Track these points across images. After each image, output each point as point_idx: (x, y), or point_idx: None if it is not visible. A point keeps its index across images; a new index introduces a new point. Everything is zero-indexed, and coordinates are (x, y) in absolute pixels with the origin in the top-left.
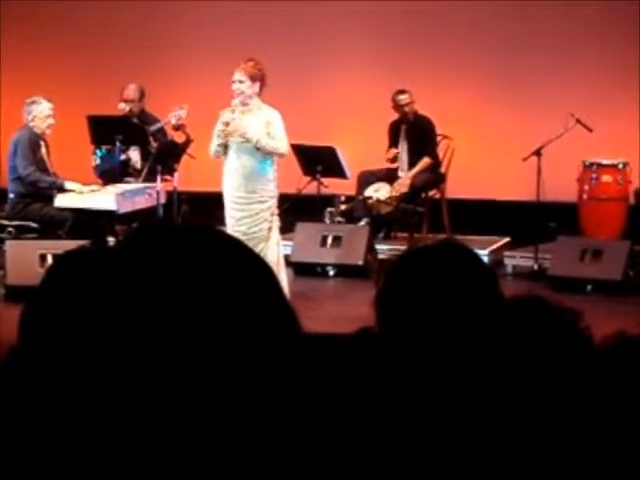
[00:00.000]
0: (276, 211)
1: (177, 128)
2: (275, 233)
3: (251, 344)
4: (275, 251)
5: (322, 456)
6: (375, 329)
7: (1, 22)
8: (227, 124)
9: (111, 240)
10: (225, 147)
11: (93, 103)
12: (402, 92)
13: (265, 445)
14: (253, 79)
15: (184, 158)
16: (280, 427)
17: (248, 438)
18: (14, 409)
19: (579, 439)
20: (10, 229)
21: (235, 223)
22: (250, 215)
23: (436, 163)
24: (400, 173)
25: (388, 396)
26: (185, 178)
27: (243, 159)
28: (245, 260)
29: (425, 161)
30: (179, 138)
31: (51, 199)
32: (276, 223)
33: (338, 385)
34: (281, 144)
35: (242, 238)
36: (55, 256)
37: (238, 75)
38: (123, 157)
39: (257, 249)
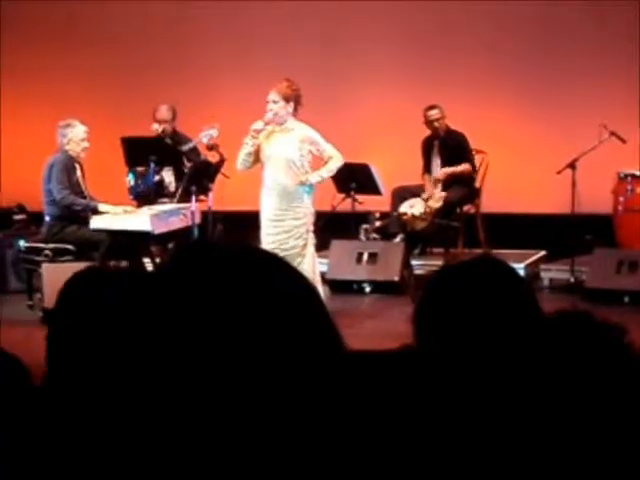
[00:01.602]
0: (311, 228)
1: (210, 148)
2: (310, 249)
3: (296, 360)
4: (311, 267)
5: (363, 470)
6: (413, 345)
7: (32, 44)
8: (257, 132)
9: (147, 261)
10: (256, 159)
11: (125, 124)
12: (432, 107)
13: (309, 457)
14: (287, 99)
15: (218, 177)
16: (323, 441)
17: (293, 451)
18: (50, 431)
19: (628, 456)
20: (47, 252)
21: (270, 240)
22: (284, 231)
23: (471, 177)
24: (434, 190)
25: (429, 412)
26: (219, 198)
27: (278, 177)
28: (288, 278)
29: (465, 165)
30: (213, 158)
31: (86, 221)
32: (311, 240)
33: (379, 401)
34: (335, 160)
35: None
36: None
37: (272, 95)
38: (157, 178)
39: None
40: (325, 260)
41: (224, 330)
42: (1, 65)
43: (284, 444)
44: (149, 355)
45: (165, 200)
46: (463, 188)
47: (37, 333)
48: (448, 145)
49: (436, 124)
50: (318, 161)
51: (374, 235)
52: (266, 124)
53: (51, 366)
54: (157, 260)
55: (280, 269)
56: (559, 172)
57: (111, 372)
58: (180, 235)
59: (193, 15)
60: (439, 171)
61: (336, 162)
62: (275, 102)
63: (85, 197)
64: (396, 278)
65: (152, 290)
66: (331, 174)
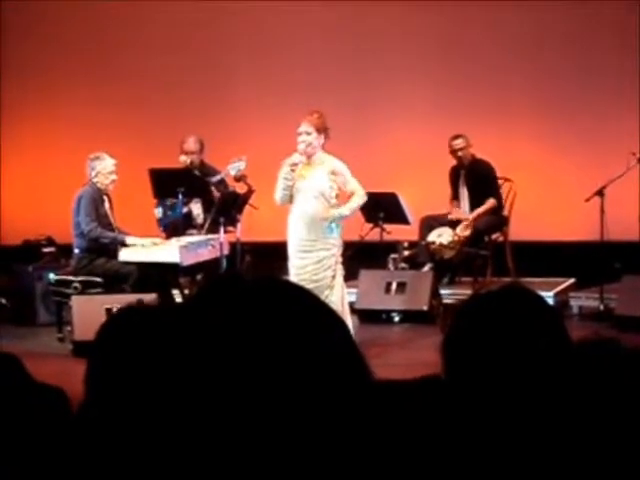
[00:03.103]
0: (340, 259)
1: (238, 179)
2: (339, 280)
3: (323, 391)
4: (339, 299)
5: None
6: (441, 375)
7: (63, 77)
8: (296, 165)
9: (176, 293)
10: (290, 193)
11: (153, 156)
12: (457, 137)
13: None
14: (319, 131)
15: (246, 209)
16: (351, 472)
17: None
18: (85, 461)
19: None
20: (76, 284)
21: (298, 271)
22: (313, 262)
23: (499, 206)
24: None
25: (456, 442)
26: (247, 229)
27: (308, 206)
28: (315, 310)
29: (490, 202)
30: (241, 189)
31: (115, 253)
32: (340, 271)
33: (407, 431)
34: (357, 197)
35: (307, 286)
36: (109, 314)
37: (305, 127)
38: (185, 209)
39: (321, 297)
40: (354, 290)
41: (251, 363)
42: (28, 97)
43: (313, 476)
44: (181, 387)
45: (193, 232)
46: (491, 217)
47: (68, 366)
48: (474, 174)
49: (460, 154)
50: (342, 193)
51: (403, 264)
52: (302, 155)
53: (90, 397)
54: (186, 291)
55: (307, 301)
56: (587, 199)
57: (148, 405)
58: (209, 266)
59: (222, 48)
60: (467, 204)
61: (358, 199)
62: (308, 133)
63: (113, 229)
64: (425, 307)
65: (180, 324)
66: (353, 212)
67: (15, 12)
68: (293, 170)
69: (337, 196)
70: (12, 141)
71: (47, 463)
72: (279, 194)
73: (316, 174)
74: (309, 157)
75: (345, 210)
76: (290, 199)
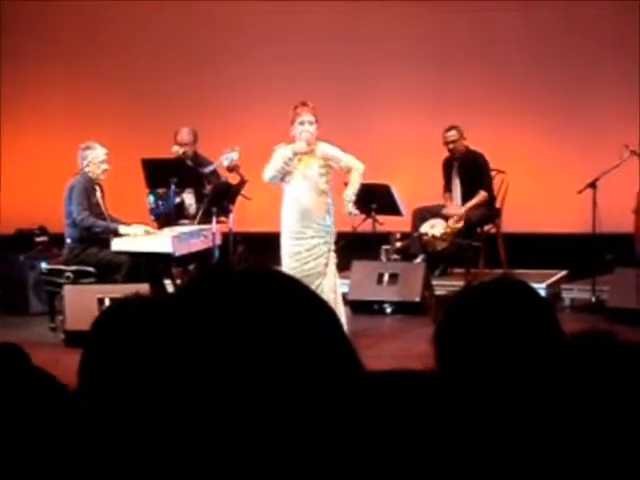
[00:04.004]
0: (333, 247)
1: (231, 170)
2: (332, 268)
3: (313, 383)
4: (332, 287)
5: None
6: (434, 366)
7: (55, 69)
8: (304, 154)
9: (168, 283)
10: (282, 176)
11: (146, 146)
12: (451, 129)
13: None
14: (317, 120)
15: (239, 199)
16: (342, 464)
17: (310, 476)
18: (77, 452)
19: None
20: (68, 274)
21: (291, 259)
22: (306, 250)
23: (491, 198)
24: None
25: (449, 434)
26: (240, 219)
27: (301, 194)
28: (304, 301)
29: (482, 194)
30: (233, 179)
31: (107, 243)
32: (333, 259)
33: (396, 424)
34: (355, 172)
35: (299, 274)
36: (105, 306)
37: (309, 116)
38: (177, 200)
39: (314, 285)
40: (346, 281)
41: (241, 354)
42: (24, 87)
43: (301, 470)
44: (172, 378)
45: (185, 222)
46: (484, 208)
47: (60, 355)
48: (467, 166)
49: (453, 145)
50: (337, 175)
51: (395, 256)
52: (307, 144)
53: (83, 388)
54: (178, 282)
55: (297, 292)
56: (580, 192)
57: (141, 395)
58: (201, 257)
59: (214, 40)
60: (459, 196)
61: (357, 176)
62: (311, 123)
63: (105, 219)
64: (417, 299)
65: (170, 315)
66: (358, 186)
67: (15, 10)
68: (300, 160)
69: (330, 177)
70: (9, 131)
71: (38, 452)
72: (271, 174)
73: (310, 162)
74: (310, 146)
75: (351, 194)
76: (280, 179)
